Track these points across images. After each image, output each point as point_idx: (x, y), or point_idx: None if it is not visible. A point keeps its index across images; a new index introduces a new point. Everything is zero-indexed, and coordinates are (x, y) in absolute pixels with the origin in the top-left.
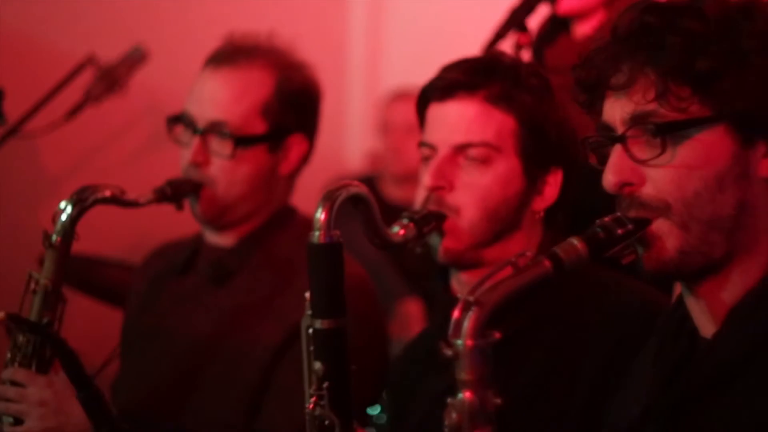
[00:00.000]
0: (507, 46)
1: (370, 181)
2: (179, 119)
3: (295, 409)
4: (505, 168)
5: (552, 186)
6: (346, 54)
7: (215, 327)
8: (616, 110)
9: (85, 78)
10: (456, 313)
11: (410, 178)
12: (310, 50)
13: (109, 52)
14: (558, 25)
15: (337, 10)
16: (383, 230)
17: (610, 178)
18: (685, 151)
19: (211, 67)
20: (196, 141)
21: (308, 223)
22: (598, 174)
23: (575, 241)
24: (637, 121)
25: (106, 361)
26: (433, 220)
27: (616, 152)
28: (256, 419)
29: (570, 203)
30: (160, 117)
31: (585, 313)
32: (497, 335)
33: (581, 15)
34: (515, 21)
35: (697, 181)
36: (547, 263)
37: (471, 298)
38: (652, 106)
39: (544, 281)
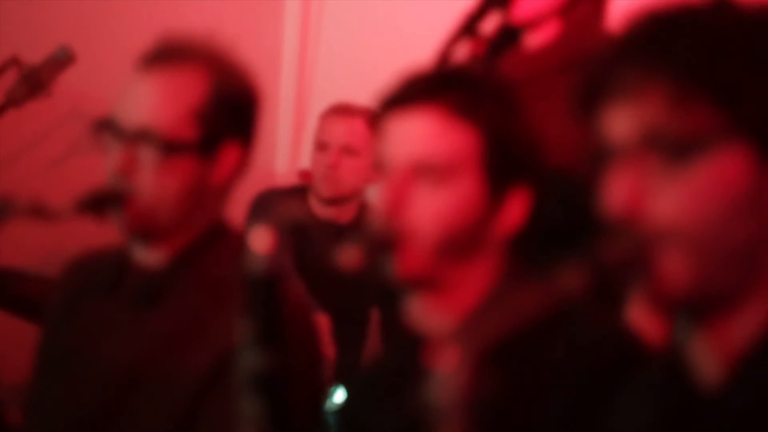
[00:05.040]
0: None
1: (303, 192)
2: (106, 124)
3: None
4: (466, 186)
5: (517, 206)
6: (280, 64)
7: (142, 353)
8: (620, 121)
9: (8, 80)
10: (440, 360)
11: (340, 200)
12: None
13: (34, 53)
14: (507, 35)
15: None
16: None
17: (612, 200)
18: (700, 172)
19: (141, 69)
20: (122, 148)
21: (241, 240)
22: (571, 190)
23: (575, 276)
24: (645, 135)
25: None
26: (385, 244)
27: (620, 170)
28: None
29: (538, 225)
30: (84, 122)
31: (550, 347)
32: (495, 383)
33: (534, 24)
34: (469, 27)
35: (711, 205)
36: (547, 300)
37: (460, 341)
38: (663, 119)
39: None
